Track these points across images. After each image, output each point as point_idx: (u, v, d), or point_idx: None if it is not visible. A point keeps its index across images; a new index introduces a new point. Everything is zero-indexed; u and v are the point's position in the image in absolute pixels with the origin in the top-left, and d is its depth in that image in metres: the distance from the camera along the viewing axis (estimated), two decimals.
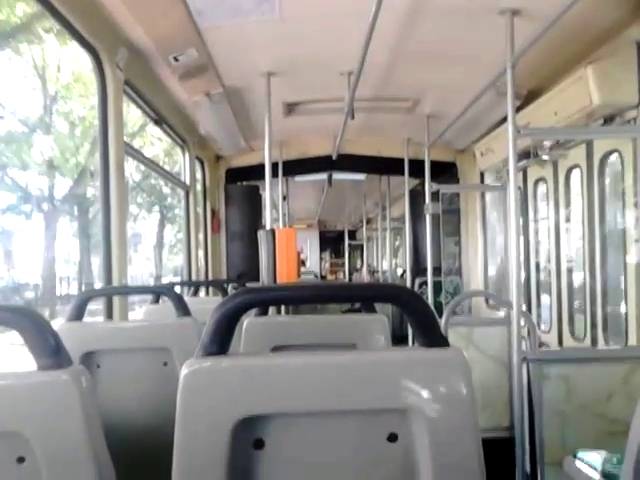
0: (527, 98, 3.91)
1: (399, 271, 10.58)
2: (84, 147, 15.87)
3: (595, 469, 1.97)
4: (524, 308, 4.18)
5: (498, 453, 2.51)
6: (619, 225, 3.53)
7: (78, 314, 2.04)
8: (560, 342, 4.23)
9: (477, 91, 3.60)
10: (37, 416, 0.99)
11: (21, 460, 1.00)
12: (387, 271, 9.91)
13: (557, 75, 3.55)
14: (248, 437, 0.96)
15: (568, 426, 2.44)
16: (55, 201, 16.34)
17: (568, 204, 4.19)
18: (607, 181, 3.66)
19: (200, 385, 0.93)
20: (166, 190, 20.28)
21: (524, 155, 4.07)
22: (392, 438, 0.98)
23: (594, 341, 3.73)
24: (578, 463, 2.06)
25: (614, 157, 3.51)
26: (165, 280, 22.33)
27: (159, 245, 22.26)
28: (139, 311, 3.19)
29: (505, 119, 2.79)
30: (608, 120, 3.30)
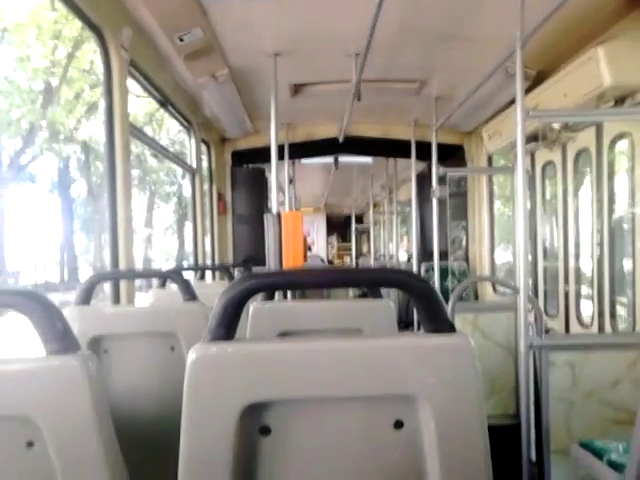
0: (536, 79, 3.86)
1: (403, 255, 10.55)
2: (37, 100, 15.18)
3: (601, 457, 1.96)
4: (531, 294, 4.16)
5: (504, 440, 2.52)
6: (629, 210, 3.49)
7: (85, 298, 2.04)
8: (567, 328, 4.22)
9: (485, 72, 3.55)
10: (45, 401, 0.99)
11: (30, 444, 1.01)
12: (394, 255, 9.90)
13: (567, 56, 3.49)
14: (254, 423, 0.95)
15: (574, 413, 2.43)
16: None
17: (577, 188, 4.15)
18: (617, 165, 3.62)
19: (207, 370, 0.93)
20: (156, 164, 19.86)
21: (532, 138, 4.03)
22: (398, 425, 0.97)
23: (601, 328, 3.71)
24: (584, 451, 2.06)
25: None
26: (155, 265, 22.35)
27: (148, 226, 22.08)
28: (139, 296, 3.19)
29: (513, 101, 2.74)
30: (619, 102, 3.25)
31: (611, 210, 3.61)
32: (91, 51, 13.95)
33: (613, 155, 3.61)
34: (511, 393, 3.66)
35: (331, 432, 0.97)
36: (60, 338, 1.02)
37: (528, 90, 3.64)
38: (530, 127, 3.74)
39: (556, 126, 3.89)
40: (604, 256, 3.66)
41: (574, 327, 4.14)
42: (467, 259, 5.98)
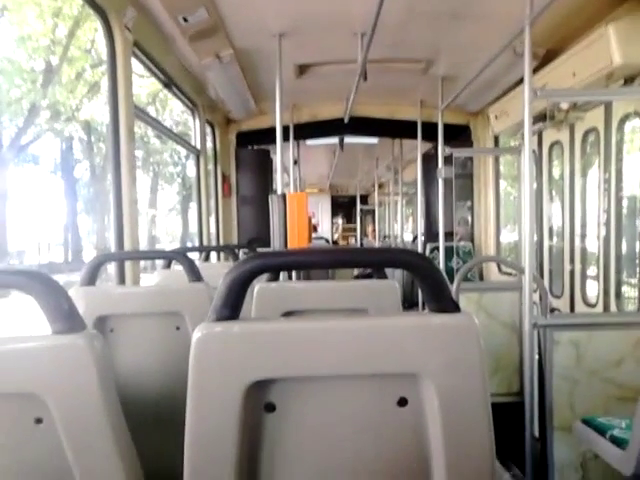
0: (545, 59, 3.81)
1: (408, 236, 10.54)
2: (38, 81, 15.02)
3: (604, 434, 1.98)
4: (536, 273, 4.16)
5: (508, 417, 2.54)
6: (636, 189, 3.47)
7: (91, 278, 2.06)
8: (572, 308, 4.22)
9: (493, 51, 3.51)
10: (52, 379, 1.01)
11: (39, 421, 1.03)
12: (399, 236, 9.89)
13: (576, 34, 3.44)
14: (259, 400, 0.96)
15: (578, 391, 2.45)
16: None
17: (584, 168, 4.13)
18: (625, 145, 3.59)
19: (212, 349, 0.94)
20: (160, 145, 19.71)
21: (540, 118, 3.99)
22: (402, 402, 0.98)
23: (606, 307, 3.71)
24: (587, 428, 2.07)
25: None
26: (160, 246, 22.38)
27: (152, 207, 22.05)
28: (143, 277, 3.20)
29: (521, 81, 2.71)
30: (628, 81, 3.21)
31: (618, 190, 3.59)
32: (92, 30, 13.80)
33: (621, 135, 3.58)
34: (515, 371, 3.69)
35: (335, 409, 0.98)
36: (66, 317, 1.03)
37: (536, 69, 3.60)
38: (538, 107, 3.70)
39: (564, 106, 3.85)
40: (610, 236, 3.65)
41: (579, 307, 4.14)
42: (472, 239, 5.97)
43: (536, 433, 2.64)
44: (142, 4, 3.02)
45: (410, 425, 0.98)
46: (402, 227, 9.20)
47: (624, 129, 3.59)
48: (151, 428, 1.83)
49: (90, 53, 15.31)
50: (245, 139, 5.94)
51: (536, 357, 2.61)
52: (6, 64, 14.66)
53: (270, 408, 0.97)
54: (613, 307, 3.64)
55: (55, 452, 1.02)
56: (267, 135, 5.18)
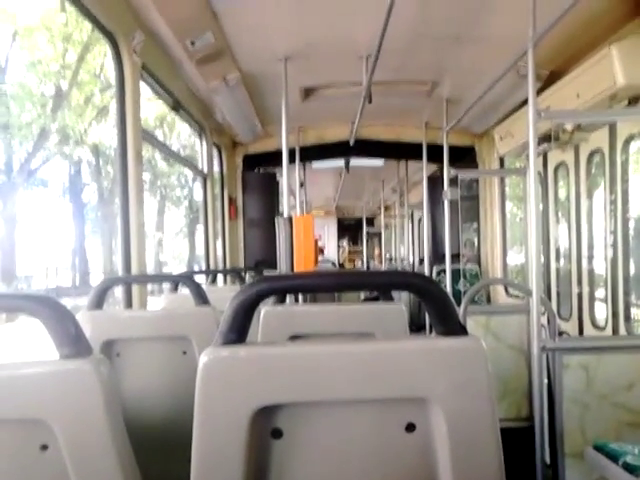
0: (548, 80, 3.83)
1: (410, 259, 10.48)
2: (47, 105, 15.11)
3: (616, 460, 1.94)
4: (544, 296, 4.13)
5: (517, 443, 2.49)
6: None
7: (98, 302, 2.06)
8: (580, 331, 4.18)
9: (497, 73, 3.54)
10: (59, 404, 1.00)
11: (44, 447, 1.02)
12: (405, 259, 9.87)
13: (580, 56, 3.46)
14: (266, 426, 0.95)
15: (588, 416, 2.41)
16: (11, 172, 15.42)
17: (590, 189, 4.12)
18: (630, 166, 3.59)
19: (218, 374, 0.93)
20: (166, 167, 19.78)
21: (545, 139, 4.00)
22: (410, 428, 0.97)
23: (615, 330, 3.67)
24: (599, 454, 2.03)
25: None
26: (167, 269, 22.40)
27: (159, 230, 22.12)
28: (151, 299, 3.20)
29: (525, 102, 2.73)
30: (632, 102, 3.22)
31: (625, 211, 3.57)
32: (101, 54, 14.00)
33: (627, 155, 3.58)
34: (524, 396, 3.63)
35: (343, 435, 0.97)
36: (73, 342, 1.03)
37: (540, 91, 3.61)
38: (542, 128, 3.71)
39: (569, 127, 3.86)
40: (618, 257, 3.63)
41: (588, 329, 4.10)
42: (479, 261, 5.95)
43: (547, 460, 2.59)
44: (150, 28, 3.06)
45: (418, 450, 0.97)
46: (408, 250, 9.18)
47: (629, 150, 3.59)
48: (158, 453, 1.81)
49: (99, 77, 15.53)
50: (252, 162, 5.98)
51: (545, 381, 2.58)
52: (17, 89, 14.86)
53: (277, 434, 0.96)
54: (622, 330, 3.60)
55: (60, 479, 1.00)
56: (273, 158, 5.22)
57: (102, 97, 15.95)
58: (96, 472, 1.01)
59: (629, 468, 1.87)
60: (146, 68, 3.13)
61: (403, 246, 10.11)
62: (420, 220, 8.81)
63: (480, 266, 5.93)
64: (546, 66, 3.72)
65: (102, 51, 13.91)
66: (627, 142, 3.55)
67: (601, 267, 3.96)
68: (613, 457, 1.97)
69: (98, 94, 15.86)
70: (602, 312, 3.92)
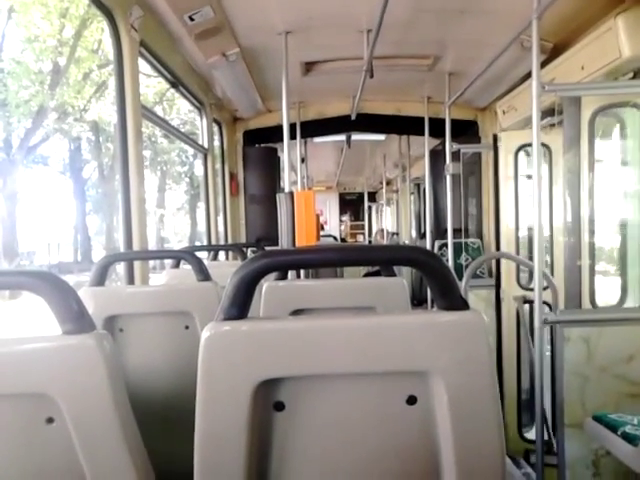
0: (553, 52, 3.77)
1: (403, 235, 10.45)
2: (45, 82, 15.02)
3: (615, 431, 1.97)
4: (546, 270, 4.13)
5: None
6: None
7: (100, 279, 2.07)
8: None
9: (500, 46, 3.49)
10: (63, 379, 1.02)
11: (50, 421, 1.03)
12: (405, 233, 9.86)
13: (585, 27, 3.40)
14: (268, 399, 0.97)
15: (589, 388, 2.43)
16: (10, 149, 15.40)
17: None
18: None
19: (220, 348, 0.94)
20: (166, 144, 19.71)
21: (548, 112, 3.96)
22: (411, 400, 0.98)
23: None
24: (598, 425, 2.06)
25: None
26: (168, 245, 22.45)
27: (160, 207, 22.11)
28: (152, 277, 3.22)
29: (529, 75, 2.69)
30: (638, 74, 3.18)
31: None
32: (99, 30, 13.83)
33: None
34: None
35: (344, 408, 0.98)
36: (76, 318, 1.04)
37: (544, 64, 3.56)
38: (546, 102, 3.67)
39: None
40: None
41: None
42: (481, 236, 5.94)
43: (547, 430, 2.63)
44: (148, 3, 3.02)
45: (419, 423, 0.98)
46: (411, 224, 9.17)
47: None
48: (161, 427, 1.84)
49: (97, 53, 15.36)
50: (252, 137, 5.94)
51: (547, 354, 2.60)
52: (14, 66, 14.72)
53: (279, 407, 0.97)
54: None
55: (66, 452, 1.02)
56: (274, 133, 5.18)
57: (100, 73, 15.80)
58: (101, 445, 1.03)
59: (628, 437, 1.90)
60: (144, 44, 3.09)
61: (406, 221, 10.09)
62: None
63: (482, 240, 5.92)
64: (550, 38, 3.67)
65: (100, 27, 13.73)
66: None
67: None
68: (612, 427, 2.00)
69: (97, 70, 15.72)
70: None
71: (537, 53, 2.58)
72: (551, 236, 4.71)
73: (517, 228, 4.49)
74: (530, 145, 4.02)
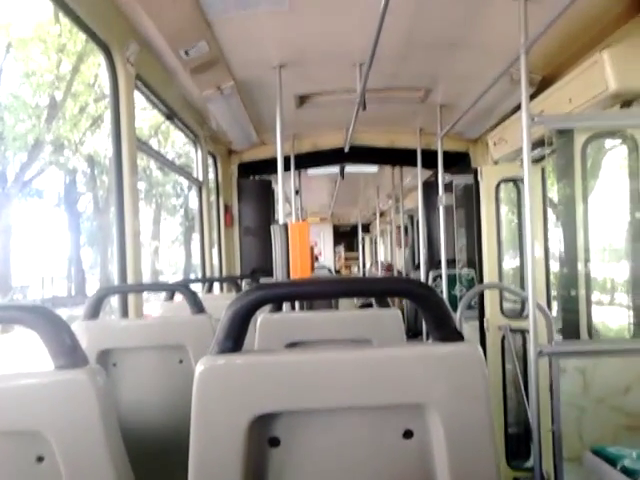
0: (541, 85, 3.85)
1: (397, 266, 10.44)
2: (42, 115, 15.12)
3: (614, 465, 1.94)
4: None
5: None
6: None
7: (94, 312, 2.05)
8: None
9: (490, 79, 3.55)
10: (55, 415, 1.00)
11: (40, 459, 1.01)
12: (398, 264, 9.85)
13: (572, 61, 3.48)
14: (263, 435, 0.95)
15: (586, 420, 2.41)
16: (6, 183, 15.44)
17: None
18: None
19: (215, 382, 0.93)
20: (161, 176, 19.80)
21: (538, 144, 4.01)
22: (408, 434, 0.96)
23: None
24: (597, 458, 2.03)
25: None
26: (162, 277, 22.37)
27: (155, 239, 22.10)
28: (146, 307, 3.19)
29: (519, 107, 2.74)
30: (625, 106, 3.24)
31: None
32: (95, 64, 14.02)
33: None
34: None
35: (341, 442, 0.97)
36: (68, 352, 1.02)
37: (533, 96, 3.63)
38: (536, 133, 3.73)
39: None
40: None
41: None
42: (475, 266, 5.94)
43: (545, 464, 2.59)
44: (144, 38, 3.07)
45: (416, 457, 0.96)
46: (404, 255, 9.18)
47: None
48: (155, 462, 1.80)
49: (93, 87, 15.54)
50: (247, 170, 5.98)
51: (542, 386, 2.58)
52: (12, 100, 14.84)
53: (275, 442, 0.96)
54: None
55: None
56: (269, 165, 5.22)
57: (96, 107, 15.96)
58: None
59: (627, 472, 1.87)
60: (140, 78, 3.13)
61: (399, 252, 10.10)
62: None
63: (476, 271, 5.92)
64: (539, 71, 3.74)
65: (96, 61, 13.93)
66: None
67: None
68: (611, 461, 1.97)
69: (92, 104, 15.88)
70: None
71: (526, 86, 2.64)
72: (547, 267, 4.72)
73: (500, 259, 4.51)
74: (510, 180, 4.10)
